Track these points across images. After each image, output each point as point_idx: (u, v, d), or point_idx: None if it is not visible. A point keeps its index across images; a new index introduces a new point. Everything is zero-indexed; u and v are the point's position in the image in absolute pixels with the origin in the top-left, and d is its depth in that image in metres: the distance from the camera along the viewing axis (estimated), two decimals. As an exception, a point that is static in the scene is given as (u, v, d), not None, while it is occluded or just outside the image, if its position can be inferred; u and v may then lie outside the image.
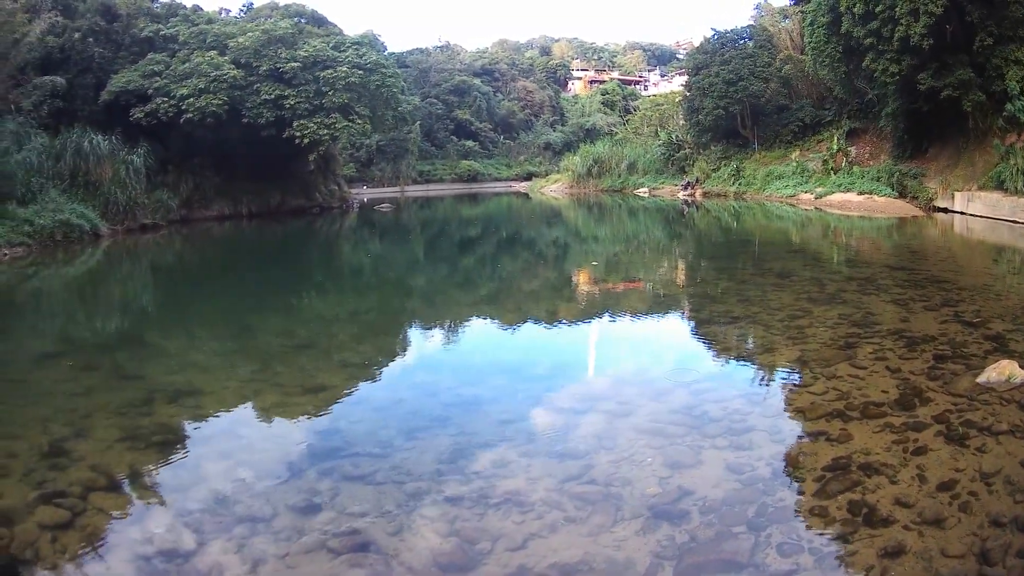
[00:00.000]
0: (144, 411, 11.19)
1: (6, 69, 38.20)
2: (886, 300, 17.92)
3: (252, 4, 66.63)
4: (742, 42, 65.64)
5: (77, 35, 48.31)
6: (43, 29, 41.44)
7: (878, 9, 39.88)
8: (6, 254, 30.97)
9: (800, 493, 7.80)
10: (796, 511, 7.45)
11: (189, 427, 10.80)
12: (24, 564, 7.03)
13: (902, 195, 45.89)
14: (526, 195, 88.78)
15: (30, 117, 40.21)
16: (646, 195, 71.41)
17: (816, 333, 14.45)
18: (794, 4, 57.95)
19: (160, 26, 52.77)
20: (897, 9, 38.57)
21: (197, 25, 53.91)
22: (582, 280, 26.21)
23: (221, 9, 66.33)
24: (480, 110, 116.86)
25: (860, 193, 47.89)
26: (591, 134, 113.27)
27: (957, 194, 40.98)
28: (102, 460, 9.28)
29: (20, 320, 21.01)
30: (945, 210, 41.65)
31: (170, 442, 10.10)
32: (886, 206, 44.89)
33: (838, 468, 8.20)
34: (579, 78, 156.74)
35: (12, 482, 8.63)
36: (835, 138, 55.24)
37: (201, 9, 58.75)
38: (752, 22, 70.68)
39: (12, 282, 27.14)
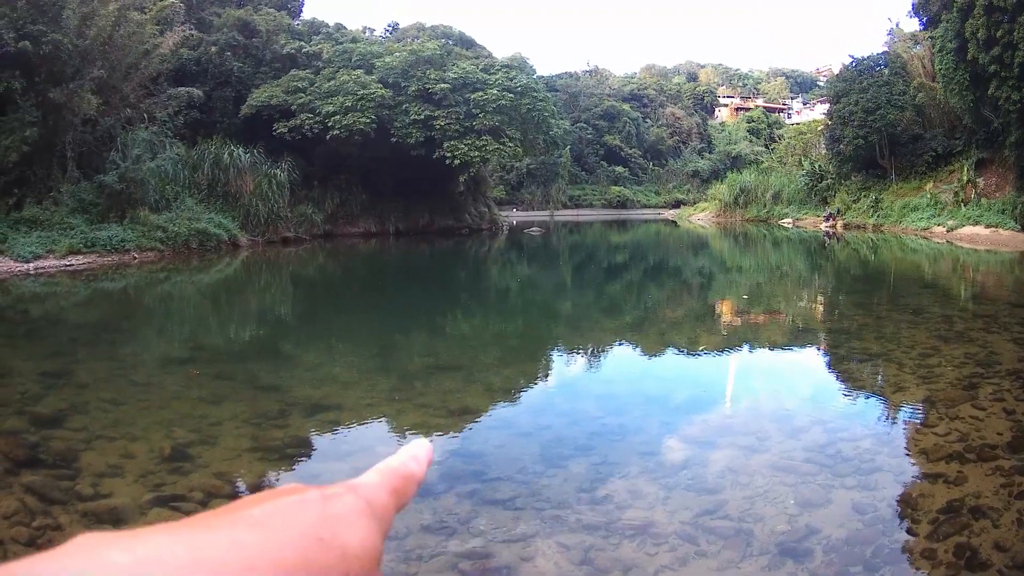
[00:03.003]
0: (279, 423, 10.95)
1: (137, 78, 38.85)
2: (1007, 339, 17.53)
3: (398, 25, 67.48)
4: (878, 69, 64.69)
5: (214, 49, 49.97)
6: (176, 41, 42.51)
7: (999, 34, 39.53)
8: (135, 258, 32.29)
9: (914, 535, 7.64)
10: (909, 553, 7.32)
11: (325, 442, 10.59)
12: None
13: (1024, 228, 44.77)
14: (674, 223, 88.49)
15: (165, 127, 41.23)
16: (790, 226, 70.70)
17: (944, 372, 14.10)
18: (924, 29, 56.40)
19: (302, 43, 53.98)
20: (1015, 34, 37.96)
21: (341, 44, 54.96)
22: (724, 310, 25.77)
23: (365, 28, 67.14)
24: (629, 136, 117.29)
25: (987, 226, 47.12)
26: (737, 162, 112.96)
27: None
28: (228, 468, 9.09)
29: (147, 323, 21.44)
30: (1063, 244, 40.57)
31: (304, 455, 9.94)
32: (1010, 240, 44.00)
33: (951, 511, 8.04)
34: (725, 105, 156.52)
35: (126, 483, 8.47)
36: (964, 169, 54.03)
37: (344, 28, 60.16)
38: (886, 48, 69.64)
39: (141, 285, 27.85)
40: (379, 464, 0.89)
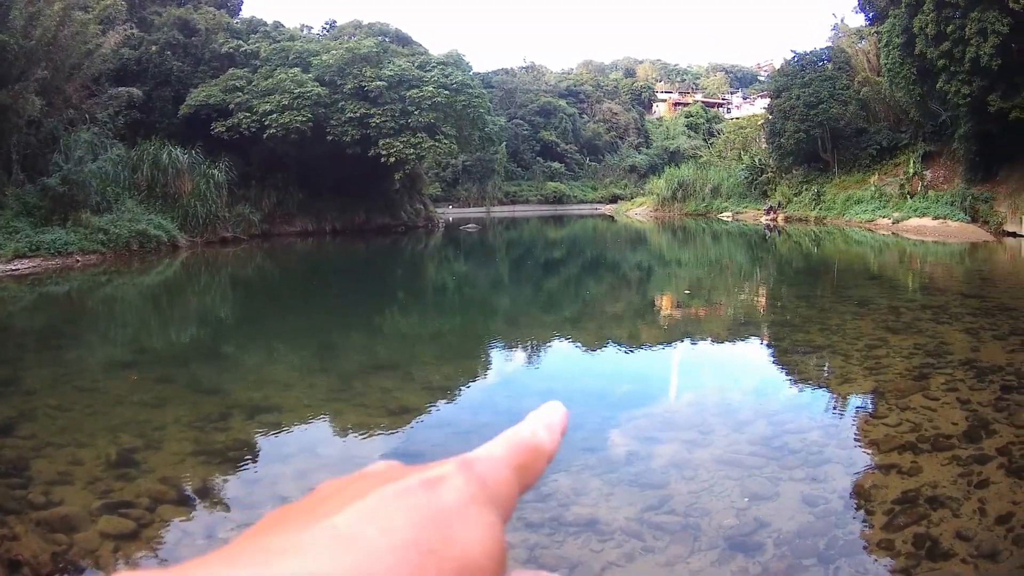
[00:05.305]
0: (220, 426, 11.03)
1: (79, 79, 38.95)
2: (958, 329, 17.72)
3: (335, 22, 67.21)
4: (821, 64, 65.48)
5: (154, 48, 49.67)
6: (118, 41, 42.45)
7: (949, 29, 40.16)
8: (78, 261, 32.20)
9: (870, 526, 7.73)
10: (865, 544, 7.40)
11: (267, 444, 10.65)
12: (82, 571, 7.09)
13: (974, 219, 45.95)
14: (611, 218, 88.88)
15: (106, 128, 41.09)
16: (729, 219, 71.15)
17: (892, 363, 14.27)
18: (869, 25, 57.22)
19: (241, 42, 53.81)
20: (967, 29, 38.75)
21: (279, 42, 54.74)
22: (664, 304, 25.96)
23: (303, 26, 66.51)
24: (566, 132, 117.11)
25: (935, 218, 47.93)
26: (675, 157, 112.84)
27: (1024, 218, 40.59)
28: (173, 473, 9.18)
29: (91, 327, 21.42)
30: (1014, 234, 41.74)
31: (246, 458, 9.97)
32: (959, 231, 44.89)
33: (907, 501, 8.12)
34: (663, 100, 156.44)
35: (76, 490, 8.58)
36: (911, 162, 54.92)
37: (283, 26, 59.70)
38: (830, 43, 70.48)
39: (84, 288, 27.93)
40: (505, 432, 0.74)
